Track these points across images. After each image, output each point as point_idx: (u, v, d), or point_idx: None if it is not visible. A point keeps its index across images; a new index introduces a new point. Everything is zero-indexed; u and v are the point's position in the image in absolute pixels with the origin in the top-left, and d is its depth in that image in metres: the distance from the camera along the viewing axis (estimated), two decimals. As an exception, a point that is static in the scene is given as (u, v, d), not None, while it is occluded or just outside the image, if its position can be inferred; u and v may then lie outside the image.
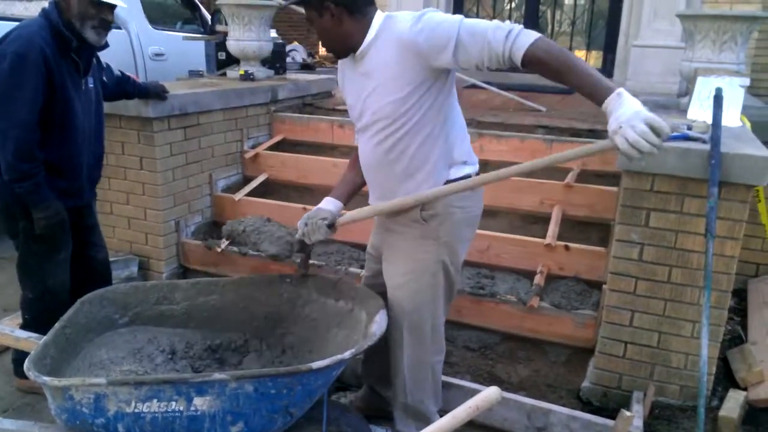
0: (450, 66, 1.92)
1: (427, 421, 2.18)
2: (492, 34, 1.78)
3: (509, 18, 6.91)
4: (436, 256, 2.15)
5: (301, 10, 2.20)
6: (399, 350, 2.28)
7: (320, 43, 2.15)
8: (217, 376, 1.80)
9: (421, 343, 2.25)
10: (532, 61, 1.75)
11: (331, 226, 2.21)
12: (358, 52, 2.02)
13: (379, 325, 2.08)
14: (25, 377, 2.39)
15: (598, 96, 1.70)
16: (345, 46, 2.04)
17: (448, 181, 2.08)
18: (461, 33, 1.82)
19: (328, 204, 2.27)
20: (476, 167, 2.20)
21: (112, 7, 2.50)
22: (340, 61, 2.18)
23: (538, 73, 1.81)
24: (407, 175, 2.08)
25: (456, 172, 2.11)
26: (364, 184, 2.31)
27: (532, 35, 1.75)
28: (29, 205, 2.46)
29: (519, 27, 1.78)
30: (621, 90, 1.66)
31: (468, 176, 2.11)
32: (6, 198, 2.52)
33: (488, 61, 1.83)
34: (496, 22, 1.82)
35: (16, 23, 2.64)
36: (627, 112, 1.61)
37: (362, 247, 2.84)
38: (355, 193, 2.35)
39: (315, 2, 1.96)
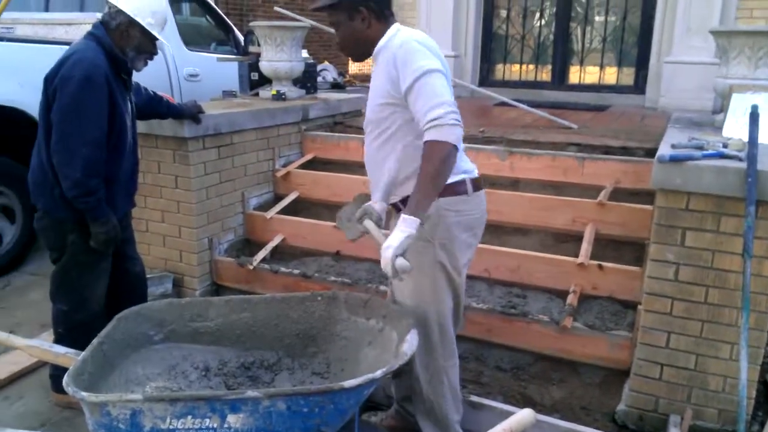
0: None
1: (449, 428, 2.25)
2: (427, 108, 1.95)
3: (539, 35, 6.90)
4: (432, 257, 2.20)
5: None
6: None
7: (340, 44, 2.24)
8: (251, 393, 1.81)
9: (429, 346, 2.29)
10: (424, 150, 1.96)
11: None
12: (373, 55, 2.18)
13: (410, 344, 2.07)
14: (63, 392, 2.43)
15: (408, 204, 1.98)
16: (366, 50, 2.19)
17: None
18: (415, 85, 1.99)
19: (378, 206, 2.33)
20: (472, 173, 2.27)
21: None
22: None
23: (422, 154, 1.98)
24: (398, 176, 2.21)
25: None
26: None
27: (448, 135, 1.92)
28: (90, 219, 2.56)
29: (449, 121, 1.92)
30: (409, 220, 1.92)
31: (462, 182, 2.21)
32: (59, 214, 2.60)
33: (415, 122, 2.03)
34: (445, 100, 1.96)
35: (60, 47, 2.74)
36: (392, 239, 1.91)
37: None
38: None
39: (347, 5, 2.09)
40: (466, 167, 2.25)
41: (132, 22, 2.56)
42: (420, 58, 2.00)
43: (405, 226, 1.91)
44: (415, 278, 2.18)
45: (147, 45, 2.63)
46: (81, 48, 2.56)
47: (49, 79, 2.50)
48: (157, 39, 2.64)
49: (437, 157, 1.93)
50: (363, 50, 2.20)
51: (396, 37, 2.11)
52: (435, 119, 1.93)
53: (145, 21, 2.56)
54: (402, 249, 1.90)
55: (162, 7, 2.65)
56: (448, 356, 2.36)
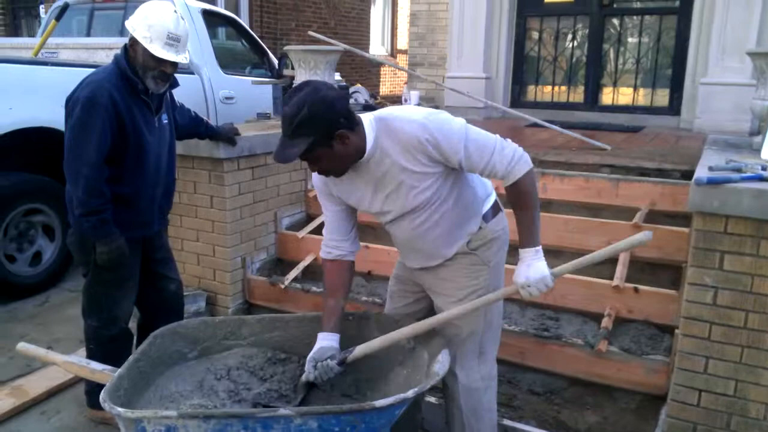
0: (452, 166, 2.04)
1: None
2: (497, 156, 1.98)
3: (572, 57, 6.89)
4: (487, 281, 2.20)
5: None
6: (453, 380, 2.29)
7: (330, 173, 2.07)
8: (283, 411, 1.82)
9: (473, 369, 2.28)
10: (517, 188, 2.02)
11: (342, 364, 2.19)
12: (363, 159, 2.03)
13: (442, 364, 2.07)
14: (98, 408, 2.49)
15: (527, 241, 2.05)
16: (355, 159, 2.03)
17: (485, 214, 2.20)
18: (468, 146, 1.97)
19: (327, 340, 2.24)
20: (493, 192, 2.30)
21: (174, 62, 2.63)
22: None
23: (507, 195, 2.07)
24: (452, 233, 2.16)
25: (486, 205, 2.22)
26: (345, 305, 2.34)
27: (526, 164, 2.01)
28: (93, 238, 2.58)
29: (519, 152, 2.01)
30: (539, 249, 2.05)
31: (496, 200, 2.27)
32: (82, 230, 2.64)
33: (485, 174, 2.05)
34: (496, 138, 2.01)
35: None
36: (535, 275, 2.01)
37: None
38: (341, 317, 2.33)
39: (321, 141, 1.92)
40: (488, 189, 2.27)
41: (134, 39, 2.56)
42: (451, 121, 2.00)
43: (540, 256, 2.04)
44: (467, 299, 2.19)
45: (150, 62, 2.56)
46: (98, 70, 2.63)
47: (66, 102, 2.55)
48: (162, 58, 2.55)
49: (532, 185, 2.04)
50: (351, 163, 2.04)
51: (389, 125, 2.01)
52: (511, 158, 1.98)
53: (140, 36, 2.54)
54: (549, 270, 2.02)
55: (162, 22, 2.55)
56: (489, 379, 2.35)
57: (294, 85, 1.99)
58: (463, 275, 2.20)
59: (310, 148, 1.92)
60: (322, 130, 1.91)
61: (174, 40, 2.58)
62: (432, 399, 2.76)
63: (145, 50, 2.54)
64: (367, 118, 2.06)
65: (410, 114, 2.02)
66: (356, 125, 2.00)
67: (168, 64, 2.60)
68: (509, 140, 2.03)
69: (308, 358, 2.22)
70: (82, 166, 2.48)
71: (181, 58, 2.63)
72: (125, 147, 2.59)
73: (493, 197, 2.27)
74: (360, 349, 2.20)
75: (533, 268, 2.01)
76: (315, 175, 2.19)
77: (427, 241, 2.17)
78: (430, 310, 2.39)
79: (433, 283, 2.30)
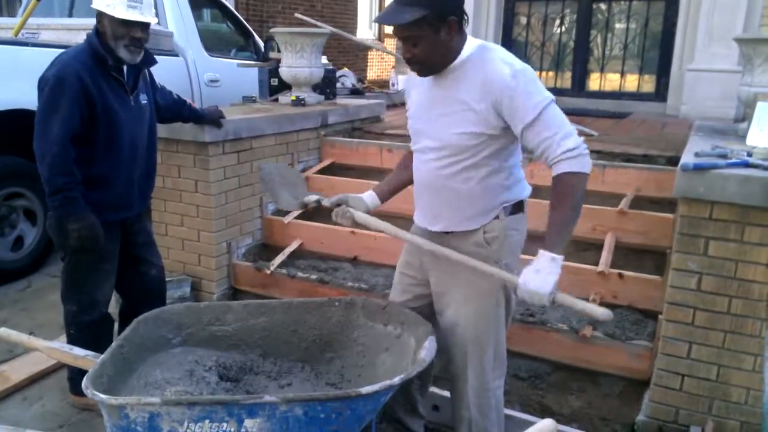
0: (513, 129, 1.94)
1: None
2: (560, 139, 1.86)
3: (559, 42, 6.87)
4: (498, 279, 2.11)
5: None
6: (463, 381, 2.25)
7: (419, 61, 1.96)
8: (268, 398, 1.81)
9: (484, 370, 2.22)
10: (561, 183, 1.89)
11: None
12: (448, 68, 1.98)
13: (428, 351, 2.06)
14: (81, 394, 2.47)
15: (548, 241, 1.91)
16: (447, 60, 1.98)
17: (504, 205, 2.10)
18: (541, 117, 1.87)
19: (368, 197, 2.34)
20: (528, 191, 2.20)
21: (142, 24, 2.57)
22: (411, 75, 2.13)
23: (551, 190, 1.93)
24: (464, 203, 2.08)
25: (513, 196, 2.12)
26: (410, 183, 2.30)
27: (583, 166, 1.87)
28: (62, 217, 2.53)
29: (583, 151, 1.87)
30: (559, 258, 1.89)
31: (522, 203, 2.15)
32: (53, 210, 2.60)
33: (538, 151, 1.91)
34: (572, 129, 1.90)
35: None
36: (539, 283, 1.86)
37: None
38: (399, 191, 2.40)
39: (434, 18, 1.86)
40: (526, 184, 2.20)
41: (100, 13, 2.53)
42: (540, 88, 1.91)
43: (556, 267, 1.87)
44: (479, 302, 2.15)
45: (118, 30, 2.52)
46: (69, 50, 2.60)
47: (38, 82, 2.51)
48: (127, 19, 2.50)
49: (580, 189, 1.88)
50: (445, 61, 1.97)
51: (487, 54, 1.94)
52: (571, 149, 1.85)
53: (103, 5, 2.51)
54: (555, 289, 1.87)
55: None
56: (499, 376, 2.31)
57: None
58: (474, 273, 2.11)
59: (420, 20, 1.83)
60: (438, 8, 1.85)
61: (136, 2, 2.53)
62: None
63: (111, 18, 2.51)
64: (473, 40, 2.00)
65: (509, 57, 1.94)
66: (465, 25, 1.96)
67: (136, 27, 2.55)
68: (583, 138, 1.92)
69: (341, 195, 2.33)
70: (48, 145, 2.45)
71: (148, 19, 2.58)
72: (95, 126, 2.55)
73: (522, 197, 2.16)
74: (371, 221, 2.27)
75: (539, 278, 1.87)
76: (406, 82, 2.18)
77: (445, 191, 2.08)
78: (432, 312, 2.34)
79: (441, 277, 2.21)
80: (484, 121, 1.94)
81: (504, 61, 1.92)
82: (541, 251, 1.91)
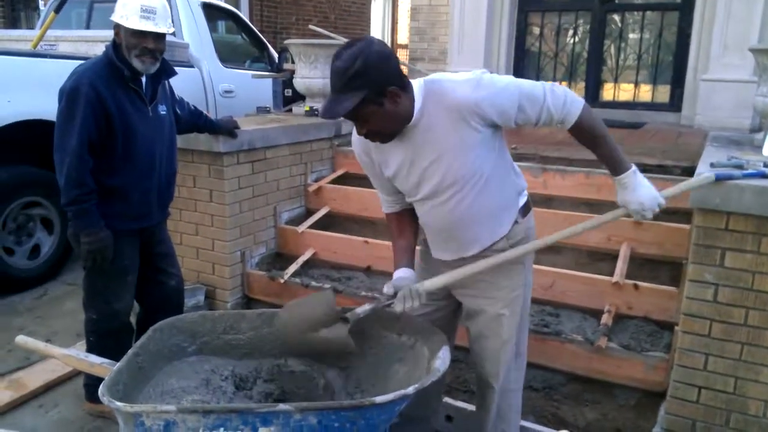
0: (507, 126, 2.00)
1: None
2: (550, 100, 1.94)
3: (573, 52, 6.87)
4: (523, 280, 2.19)
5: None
6: (490, 386, 2.26)
7: (376, 135, 1.96)
8: (282, 407, 1.81)
9: (509, 371, 2.26)
10: (579, 128, 2.00)
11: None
12: (410, 124, 1.96)
13: (442, 361, 2.05)
14: (96, 401, 2.49)
15: (618, 168, 2.05)
16: (405, 121, 1.95)
17: (520, 208, 2.16)
18: (521, 99, 1.93)
19: (405, 272, 2.18)
20: (525, 190, 2.25)
21: (155, 35, 2.59)
22: (364, 142, 2.07)
23: (575, 138, 2.07)
24: (491, 217, 2.10)
25: (522, 199, 2.19)
26: (415, 244, 2.28)
27: (579, 102, 1.97)
28: (75, 229, 2.57)
29: (570, 93, 1.97)
30: (635, 169, 2.05)
31: (528, 201, 2.23)
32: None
33: (542, 123, 2.00)
34: (543, 85, 1.96)
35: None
36: (646, 196, 2.04)
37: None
38: (413, 254, 2.28)
39: (375, 97, 1.83)
40: (523, 183, 2.23)
41: (117, 25, 2.57)
42: (498, 77, 1.94)
43: (640, 176, 2.05)
44: (510, 305, 2.16)
45: (131, 40, 2.55)
46: (86, 62, 2.64)
47: (58, 94, 2.56)
48: (139, 30, 2.53)
49: (592, 119, 2.00)
50: (400, 126, 1.95)
51: (437, 90, 1.94)
52: (563, 103, 1.94)
53: (118, 17, 2.55)
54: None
55: None
56: (520, 380, 2.34)
57: (345, 42, 1.93)
58: (502, 276, 2.13)
59: (361, 103, 1.81)
60: (376, 85, 1.81)
61: (149, 12, 2.56)
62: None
63: (126, 29, 2.55)
64: (416, 83, 1.97)
65: (460, 77, 1.95)
66: (407, 85, 1.92)
67: (149, 37, 2.57)
68: (556, 83, 1.98)
69: (384, 290, 2.14)
70: (65, 156, 2.48)
71: (161, 29, 2.59)
72: (113, 136, 2.57)
73: (526, 195, 2.21)
74: (440, 280, 2.13)
75: (641, 190, 2.03)
76: (357, 145, 2.16)
77: (464, 222, 2.07)
78: (450, 321, 2.36)
79: (465, 282, 2.19)
80: (474, 140, 1.95)
81: (457, 82, 1.93)
82: (619, 178, 2.05)
